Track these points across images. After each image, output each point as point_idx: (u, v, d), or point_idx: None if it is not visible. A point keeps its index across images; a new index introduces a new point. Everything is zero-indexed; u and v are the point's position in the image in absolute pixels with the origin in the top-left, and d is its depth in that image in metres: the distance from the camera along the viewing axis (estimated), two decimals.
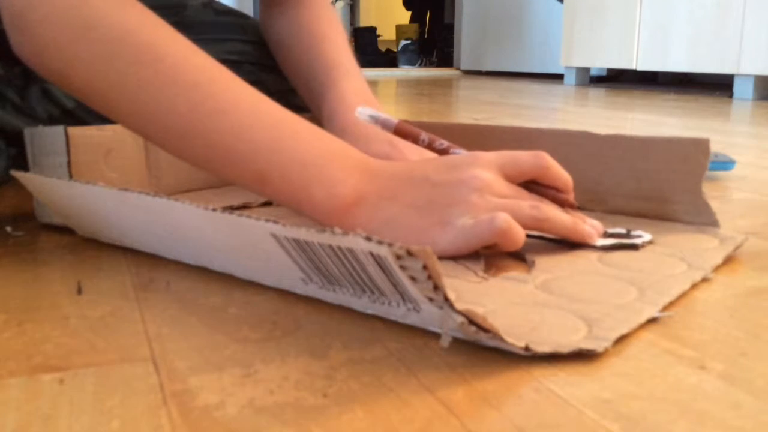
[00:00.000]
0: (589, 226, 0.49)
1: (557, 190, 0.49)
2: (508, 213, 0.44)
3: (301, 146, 0.45)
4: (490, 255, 0.48)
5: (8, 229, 0.56)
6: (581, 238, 0.48)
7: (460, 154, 0.50)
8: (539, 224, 0.46)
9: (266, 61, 0.78)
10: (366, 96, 0.64)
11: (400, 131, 0.53)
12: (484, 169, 0.46)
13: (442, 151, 0.53)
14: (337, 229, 0.32)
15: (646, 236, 0.50)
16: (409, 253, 0.30)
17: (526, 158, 0.48)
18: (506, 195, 0.46)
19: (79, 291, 0.42)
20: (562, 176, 0.48)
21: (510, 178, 0.47)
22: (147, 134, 0.47)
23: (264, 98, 0.47)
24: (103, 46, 0.44)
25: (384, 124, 0.53)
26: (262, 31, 0.79)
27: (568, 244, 0.50)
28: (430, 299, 0.32)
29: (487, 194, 0.45)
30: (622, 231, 0.51)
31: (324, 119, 0.64)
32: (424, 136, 0.53)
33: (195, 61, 0.46)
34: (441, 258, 0.45)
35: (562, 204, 0.49)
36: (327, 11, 0.75)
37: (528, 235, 0.52)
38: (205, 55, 0.47)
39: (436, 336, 0.34)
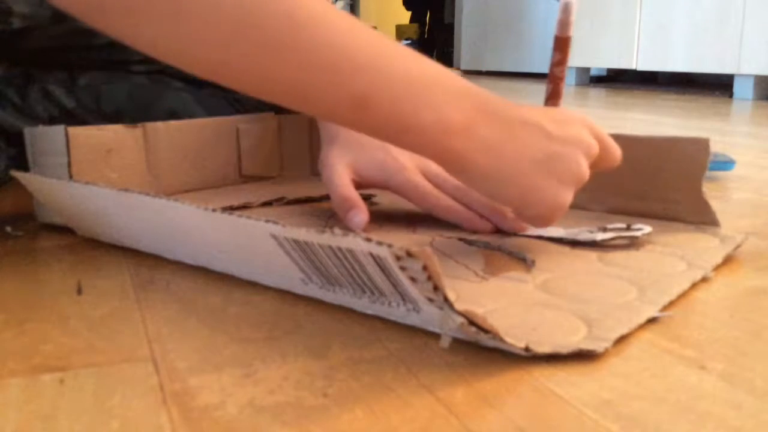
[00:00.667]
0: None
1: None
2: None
3: (405, 65, 0.40)
4: (490, 255, 0.48)
5: (8, 229, 0.56)
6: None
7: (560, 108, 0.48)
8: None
9: None
10: None
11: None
12: (588, 159, 0.45)
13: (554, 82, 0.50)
14: (337, 230, 0.32)
15: (647, 229, 0.50)
16: (409, 254, 0.30)
17: (616, 155, 0.47)
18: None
19: (79, 291, 0.42)
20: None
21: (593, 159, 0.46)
22: (227, 52, 0.38)
23: (358, 21, 0.41)
24: None
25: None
26: None
27: (568, 243, 0.50)
28: (430, 300, 0.32)
29: (587, 160, 0.44)
30: (622, 226, 0.51)
31: (318, 121, 0.63)
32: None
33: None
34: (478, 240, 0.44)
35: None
36: None
37: (528, 236, 0.52)
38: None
39: (436, 336, 0.34)
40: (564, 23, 0.49)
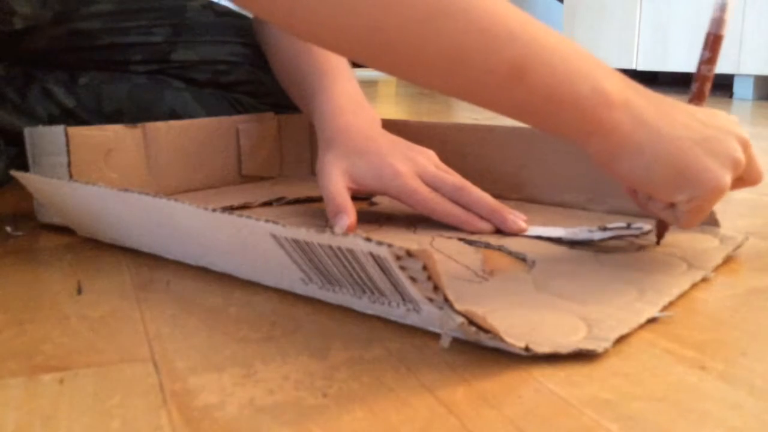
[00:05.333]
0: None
1: None
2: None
3: (555, 37, 0.40)
4: (490, 255, 0.48)
5: (8, 229, 0.56)
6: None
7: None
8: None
9: (265, 63, 0.78)
10: (358, 99, 0.63)
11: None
12: (740, 143, 0.43)
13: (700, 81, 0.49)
14: (337, 230, 0.32)
15: (647, 227, 0.50)
16: (409, 254, 0.30)
17: (759, 171, 0.45)
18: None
19: (79, 291, 0.42)
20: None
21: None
22: (377, 20, 0.37)
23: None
24: None
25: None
26: (255, 33, 0.79)
27: (568, 243, 0.50)
28: (430, 300, 0.32)
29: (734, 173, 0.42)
30: (622, 225, 0.51)
31: (314, 123, 0.63)
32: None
33: None
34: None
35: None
36: None
37: (528, 236, 0.52)
38: None
39: (436, 336, 0.34)
40: (718, 21, 0.47)
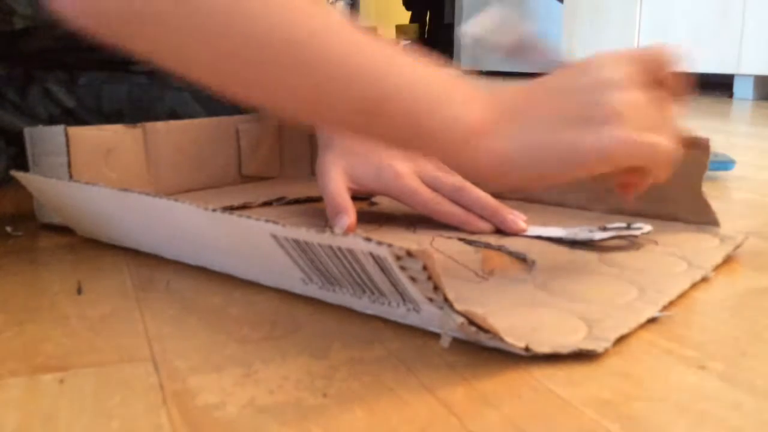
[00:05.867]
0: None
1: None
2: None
3: (421, 67, 0.39)
4: (490, 255, 0.48)
5: (8, 229, 0.56)
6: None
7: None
8: (665, 169, 0.42)
9: None
10: None
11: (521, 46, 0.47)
12: (617, 88, 0.40)
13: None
14: (337, 230, 0.32)
15: (646, 228, 0.50)
16: (409, 254, 0.30)
17: (656, 55, 0.42)
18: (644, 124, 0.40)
19: (79, 291, 0.42)
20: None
21: (643, 82, 0.41)
22: (235, 73, 0.38)
23: (355, 27, 0.40)
24: None
25: (497, 44, 0.46)
26: None
27: (568, 244, 0.50)
28: (430, 299, 0.32)
29: (628, 96, 0.40)
30: (623, 225, 0.51)
31: (316, 126, 0.63)
32: (550, 53, 0.48)
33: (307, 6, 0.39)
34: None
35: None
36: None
37: (528, 236, 0.52)
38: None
39: (436, 336, 0.34)
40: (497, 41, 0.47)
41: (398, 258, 0.30)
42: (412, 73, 0.39)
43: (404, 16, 5.54)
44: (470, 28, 0.44)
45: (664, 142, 0.41)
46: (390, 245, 0.30)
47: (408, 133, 0.39)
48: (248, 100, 0.40)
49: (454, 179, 0.56)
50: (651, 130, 0.40)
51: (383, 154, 0.55)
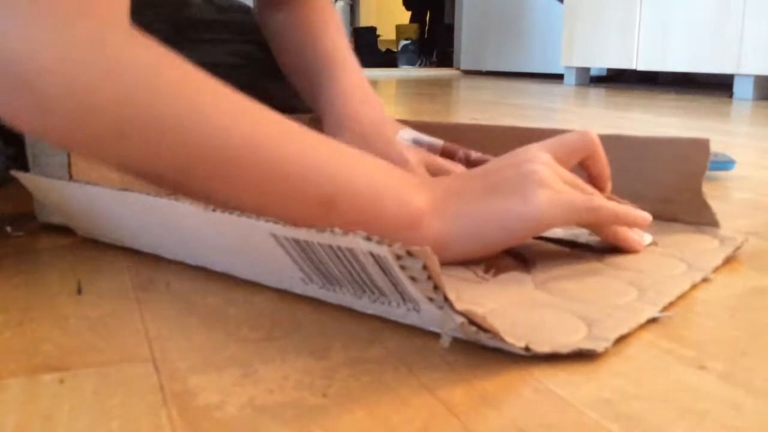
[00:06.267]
0: (640, 217, 0.47)
1: (600, 175, 0.49)
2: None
3: (366, 161, 0.44)
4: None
5: (8, 229, 0.56)
6: (630, 244, 0.48)
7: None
8: (595, 214, 0.45)
9: (267, 65, 0.77)
10: (365, 90, 0.63)
11: (446, 152, 0.56)
12: (539, 162, 0.45)
13: (477, 162, 0.53)
14: (337, 229, 0.32)
15: (648, 238, 0.50)
16: (409, 253, 0.30)
17: (574, 139, 0.48)
18: (564, 188, 0.45)
19: (79, 291, 0.42)
20: (605, 159, 0.49)
21: (562, 162, 0.46)
22: (183, 182, 0.40)
23: (304, 129, 0.44)
24: (130, 86, 0.38)
25: (430, 147, 0.54)
26: (260, 25, 0.79)
27: (568, 244, 0.50)
28: (430, 299, 0.32)
29: (550, 170, 0.44)
30: None
31: (321, 113, 0.63)
32: (462, 152, 0.57)
33: (230, 94, 0.41)
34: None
35: (603, 191, 0.49)
36: (325, 7, 0.74)
37: None
38: (236, 96, 0.42)
39: (436, 336, 0.34)
40: (430, 145, 0.59)
41: (398, 257, 0.30)
42: (363, 167, 0.43)
43: (404, 16, 5.54)
44: (405, 135, 0.52)
45: (587, 196, 0.45)
46: (390, 244, 0.30)
47: (363, 220, 0.42)
48: (208, 198, 0.41)
49: (459, 170, 0.58)
50: (574, 189, 0.45)
51: (391, 142, 0.58)
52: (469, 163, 0.55)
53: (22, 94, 0.38)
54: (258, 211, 0.40)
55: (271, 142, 0.40)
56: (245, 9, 0.83)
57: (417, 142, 0.52)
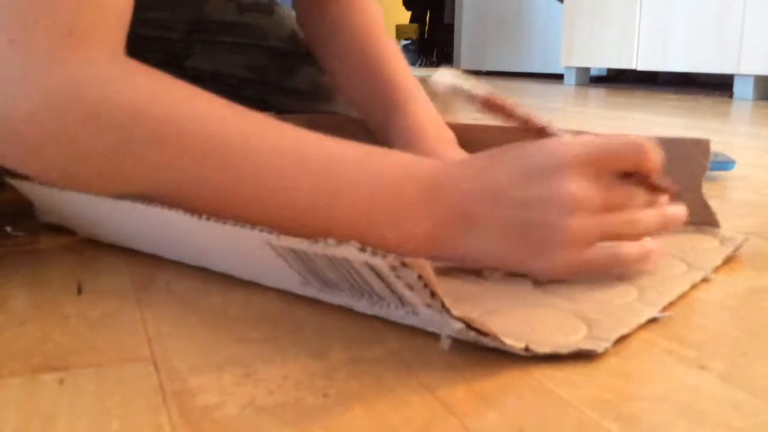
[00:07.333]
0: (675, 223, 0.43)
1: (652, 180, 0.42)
2: (608, 238, 0.40)
3: (360, 186, 0.39)
4: None
5: (8, 229, 0.56)
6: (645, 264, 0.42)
7: (555, 139, 0.41)
8: (619, 266, 0.41)
9: (281, 79, 0.76)
10: (437, 121, 0.61)
11: (491, 105, 0.42)
12: (573, 175, 0.39)
13: (539, 132, 0.43)
14: (331, 240, 0.32)
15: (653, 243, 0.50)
16: (404, 264, 0.30)
17: (623, 150, 0.40)
18: (599, 208, 0.40)
19: (79, 291, 0.42)
20: (658, 171, 0.42)
21: (601, 171, 0.40)
22: (193, 194, 0.40)
23: (304, 136, 0.41)
24: (112, 133, 0.38)
25: (469, 98, 0.42)
26: (301, 26, 0.74)
27: None
28: (428, 305, 0.32)
29: (582, 215, 0.39)
30: None
31: (391, 141, 0.61)
32: (520, 111, 0.43)
33: (219, 119, 0.40)
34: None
35: (660, 192, 0.43)
36: (366, 8, 0.70)
37: None
38: (228, 106, 0.41)
39: (436, 336, 0.34)
40: (469, 95, 0.42)
41: (393, 268, 0.31)
42: (356, 194, 0.39)
43: (404, 16, 5.53)
44: (441, 78, 0.41)
45: (610, 254, 0.40)
46: (385, 255, 0.30)
47: (364, 242, 0.39)
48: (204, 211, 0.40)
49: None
50: (618, 237, 0.40)
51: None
52: (528, 131, 0.44)
53: (9, 142, 0.38)
54: (256, 221, 0.39)
55: (254, 179, 0.39)
56: (268, 10, 0.80)
57: (455, 89, 0.41)
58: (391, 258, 0.30)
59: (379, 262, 0.31)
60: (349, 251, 0.32)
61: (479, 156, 0.42)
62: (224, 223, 0.37)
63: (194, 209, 0.39)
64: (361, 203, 0.39)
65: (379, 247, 0.38)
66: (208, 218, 0.38)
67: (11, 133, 0.37)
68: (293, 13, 0.79)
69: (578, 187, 0.38)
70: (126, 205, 0.43)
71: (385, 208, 0.39)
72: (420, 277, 0.30)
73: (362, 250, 0.31)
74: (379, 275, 0.32)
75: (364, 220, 0.39)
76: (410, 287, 0.31)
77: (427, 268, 0.30)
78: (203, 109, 0.40)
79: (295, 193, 0.39)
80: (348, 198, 0.39)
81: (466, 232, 0.39)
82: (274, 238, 0.35)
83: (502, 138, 0.65)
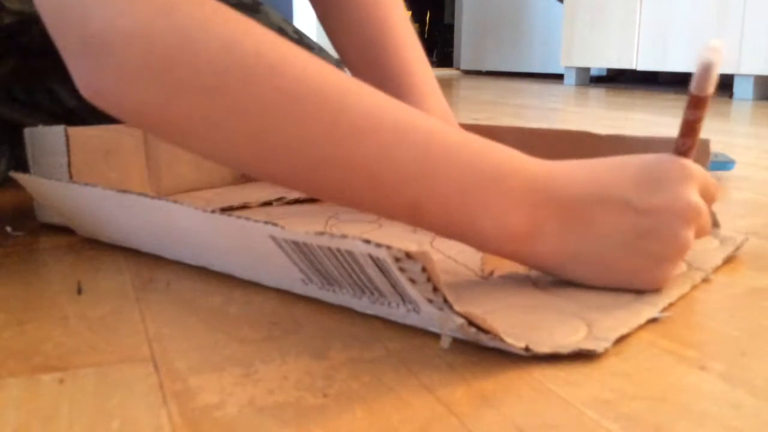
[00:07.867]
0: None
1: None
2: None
3: (459, 166, 0.37)
4: (490, 255, 0.48)
5: (8, 229, 0.56)
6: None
7: (667, 154, 0.40)
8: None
9: None
10: (448, 116, 0.60)
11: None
12: (695, 190, 0.39)
13: (687, 148, 0.41)
14: (335, 232, 0.32)
15: None
16: (408, 256, 0.30)
17: (713, 182, 0.42)
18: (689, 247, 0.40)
19: (79, 291, 0.42)
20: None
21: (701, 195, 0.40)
22: (267, 171, 0.38)
23: (402, 105, 0.38)
24: (207, 63, 0.36)
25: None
26: (320, 20, 0.72)
27: None
28: (430, 300, 0.32)
29: (694, 226, 0.39)
30: None
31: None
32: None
33: (316, 69, 0.37)
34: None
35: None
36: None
37: None
38: (321, 62, 0.38)
39: (436, 336, 0.34)
40: (703, 81, 0.40)
41: (397, 260, 0.30)
42: (451, 173, 0.37)
43: None
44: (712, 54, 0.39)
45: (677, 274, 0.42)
46: (389, 247, 0.30)
47: (453, 232, 0.39)
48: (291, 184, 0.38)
49: None
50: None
51: None
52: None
53: (108, 68, 0.36)
54: (355, 206, 0.38)
55: (351, 137, 0.36)
56: (254, 8, 0.80)
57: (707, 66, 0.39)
58: (395, 249, 0.30)
59: (382, 253, 0.31)
60: (353, 244, 0.32)
61: (590, 162, 0.41)
62: (227, 215, 0.37)
63: (285, 169, 0.37)
64: (456, 185, 0.37)
65: (474, 235, 0.38)
66: (212, 211, 0.38)
67: (110, 57, 0.36)
68: (278, 12, 0.79)
69: (699, 201, 0.39)
70: (128, 198, 0.43)
71: (483, 195, 0.38)
72: (424, 269, 0.30)
73: (366, 242, 0.31)
74: (381, 269, 0.32)
75: (457, 201, 0.37)
76: (413, 281, 0.31)
77: (431, 260, 0.30)
78: (295, 54, 0.37)
79: (390, 163, 0.37)
80: (443, 174, 0.37)
81: (577, 234, 0.39)
82: (278, 231, 0.35)
83: (503, 137, 0.65)
